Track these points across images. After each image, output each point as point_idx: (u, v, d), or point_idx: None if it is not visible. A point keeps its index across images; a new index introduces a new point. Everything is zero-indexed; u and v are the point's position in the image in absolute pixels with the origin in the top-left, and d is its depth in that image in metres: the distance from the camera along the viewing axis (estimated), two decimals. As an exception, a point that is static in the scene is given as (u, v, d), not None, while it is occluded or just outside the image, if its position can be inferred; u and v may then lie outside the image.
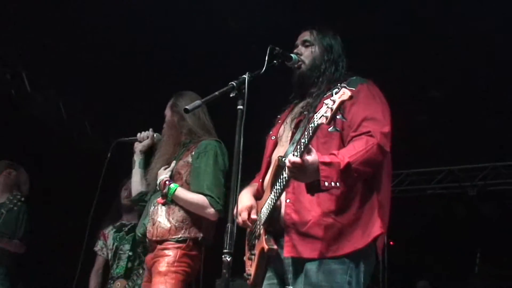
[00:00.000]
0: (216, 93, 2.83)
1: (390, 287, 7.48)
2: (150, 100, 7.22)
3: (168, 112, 4.44)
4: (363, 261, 2.88)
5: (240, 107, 2.81)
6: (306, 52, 3.30)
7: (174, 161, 4.21)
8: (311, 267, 2.84)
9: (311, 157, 2.60)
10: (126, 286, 5.18)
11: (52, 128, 7.68)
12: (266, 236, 2.97)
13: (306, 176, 2.66)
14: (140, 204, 4.52)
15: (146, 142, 4.56)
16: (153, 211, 4.12)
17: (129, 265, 5.26)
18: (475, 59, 6.22)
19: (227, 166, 4.16)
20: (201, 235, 4.03)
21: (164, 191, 4.04)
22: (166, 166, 4.21)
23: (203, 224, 4.06)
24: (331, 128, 2.46)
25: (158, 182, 4.12)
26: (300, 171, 2.63)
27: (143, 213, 4.36)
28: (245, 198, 3.25)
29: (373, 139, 2.80)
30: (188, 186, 4.09)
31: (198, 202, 3.99)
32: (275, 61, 3.14)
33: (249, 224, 3.14)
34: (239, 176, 2.66)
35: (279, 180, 2.90)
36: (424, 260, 8.60)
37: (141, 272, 5.13)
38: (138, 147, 4.58)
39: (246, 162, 2.70)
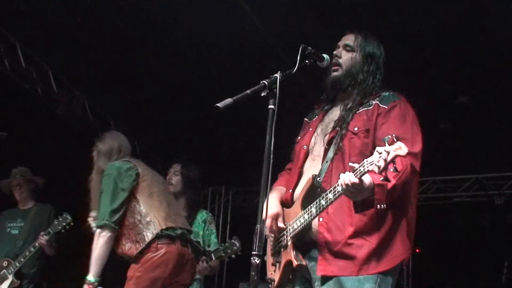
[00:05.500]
0: (248, 91, 2.78)
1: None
2: (175, 100, 7.24)
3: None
4: (391, 277, 2.95)
5: (271, 106, 2.77)
6: (345, 56, 3.22)
7: None
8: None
9: (368, 179, 2.66)
10: None
11: (77, 127, 7.70)
12: (294, 252, 3.03)
13: (362, 195, 2.72)
14: None
15: None
16: None
17: None
18: (504, 65, 6.14)
19: (122, 172, 4.27)
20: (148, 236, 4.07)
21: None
22: None
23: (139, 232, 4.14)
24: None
25: None
26: (358, 190, 2.68)
27: None
28: (271, 205, 3.21)
29: (405, 159, 2.75)
30: None
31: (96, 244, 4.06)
32: (307, 61, 3.07)
33: (274, 232, 3.15)
34: (270, 177, 2.64)
35: (316, 204, 2.90)
36: (450, 268, 8.50)
37: None
38: None
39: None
